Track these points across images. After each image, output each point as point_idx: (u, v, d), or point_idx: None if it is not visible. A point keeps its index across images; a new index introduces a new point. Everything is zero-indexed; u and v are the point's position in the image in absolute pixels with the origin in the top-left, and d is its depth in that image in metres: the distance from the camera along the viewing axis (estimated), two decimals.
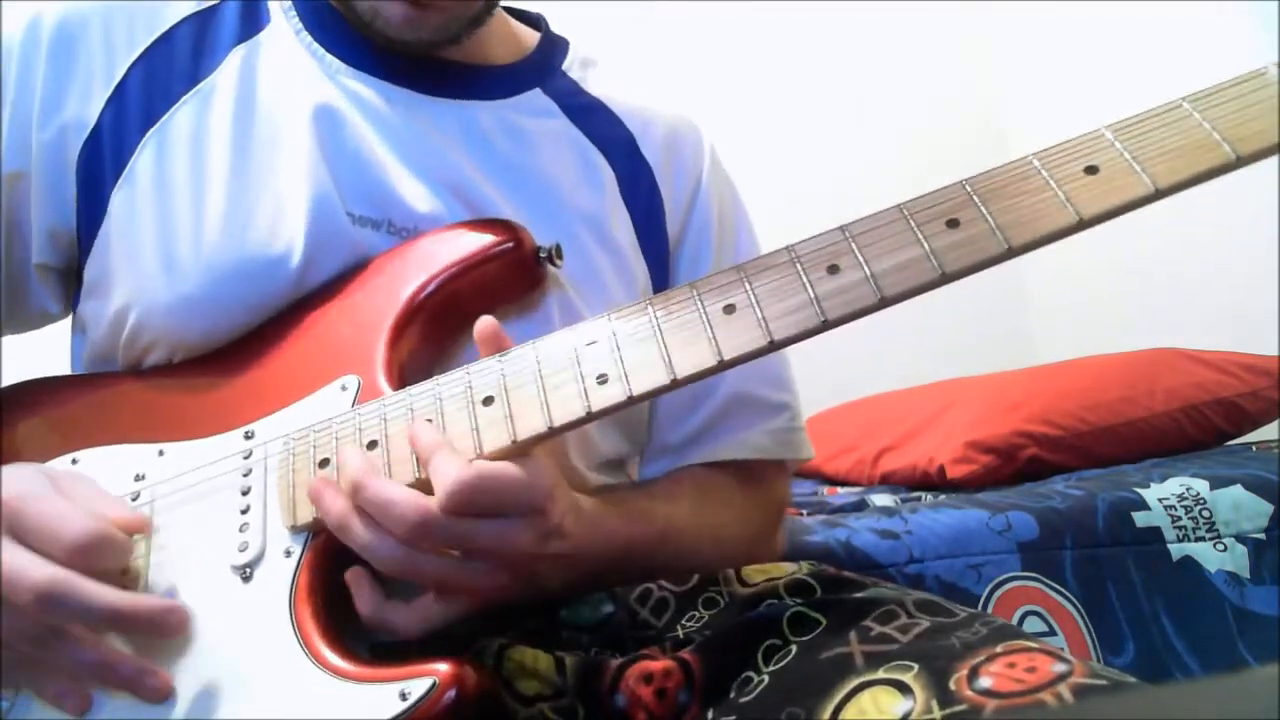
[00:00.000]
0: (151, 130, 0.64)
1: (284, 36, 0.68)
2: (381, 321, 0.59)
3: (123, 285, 0.63)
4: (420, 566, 0.49)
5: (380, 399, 0.55)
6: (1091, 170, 0.46)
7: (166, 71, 0.66)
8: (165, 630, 0.50)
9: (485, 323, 0.54)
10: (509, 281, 0.62)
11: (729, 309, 0.49)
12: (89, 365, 0.68)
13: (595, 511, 0.58)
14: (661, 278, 0.73)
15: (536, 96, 0.72)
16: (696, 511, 0.67)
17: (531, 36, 0.77)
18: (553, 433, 0.50)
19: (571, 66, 0.76)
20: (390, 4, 0.63)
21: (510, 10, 0.77)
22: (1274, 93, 0.45)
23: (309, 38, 0.68)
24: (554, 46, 0.77)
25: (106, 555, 0.49)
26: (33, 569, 0.47)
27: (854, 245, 0.49)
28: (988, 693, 0.42)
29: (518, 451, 0.50)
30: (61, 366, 0.70)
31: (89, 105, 0.64)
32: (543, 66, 0.75)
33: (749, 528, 0.72)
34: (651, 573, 0.62)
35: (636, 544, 0.62)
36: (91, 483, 0.55)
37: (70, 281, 0.70)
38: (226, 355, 0.62)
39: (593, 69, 0.77)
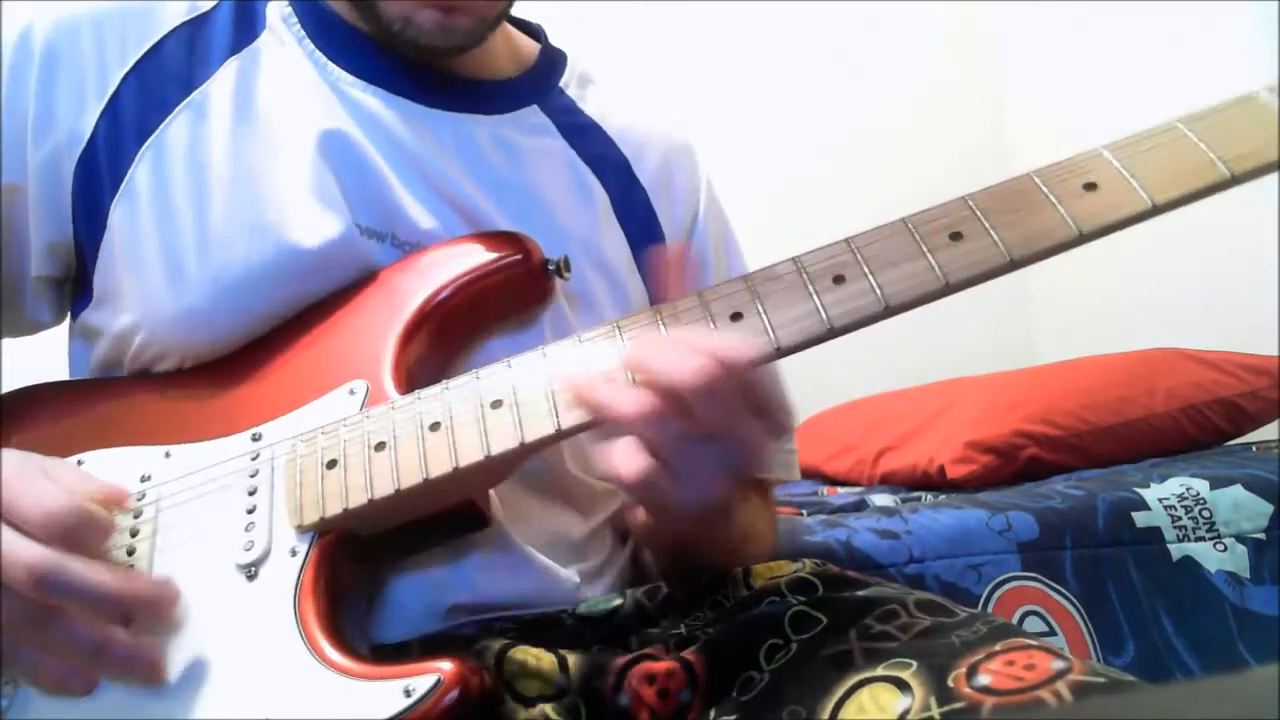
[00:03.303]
0: (148, 142, 0.63)
1: (283, 44, 0.68)
2: (391, 328, 0.60)
3: (129, 299, 0.63)
4: (665, 424, 0.46)
5: (388, 403, 0.55)
6: (1091, 187, 0.48)
7: (160, 82, 0.65)
8: (158, 608, 0.50)
9: (671, 249, 0.53)
10: (516, 293, 0.63)
11: (736, 316, 0.50)
12: (94, 373, 0.68)
13: None
14: (661, 298, 0.74)
15: (533, 114, 0.72)
16: (760, 517, 0.71)
17: (531, 48, 0.77)
18: (560, 436, 0.50)
19: (569, 84, 0.76)
20: (422, 12, 0.63)
21: (509, 19, 0.77)
22: (1265, 115, 0.47)
23: (311, 45, 0.68)
24: (552, 61, 0.77)
25: (85, 532, 0.48)
26: (25, 549, 0.47)
27: (859, 256, 0.49)
28: (986, 690, 0.42)
29: (525, 454, 0.50)
30: (59, 371, 0.70)
31: (83, 118, 0.64)
32: (541, 83, 0.75)
33: (771, 538, 0.76)
34: (714, 565, 0.64)
35: (741, 534, 0.64)
36: (77, 468, 0.55)
37: (66, 291, 0.70)
38: (234, 361, 0.62)
39: (590, 87, 0.77)
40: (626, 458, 0.48)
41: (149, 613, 0.50)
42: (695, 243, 0.76)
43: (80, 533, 0.48)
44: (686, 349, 0.47)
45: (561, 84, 0.76)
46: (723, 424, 0.47)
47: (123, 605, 0.49)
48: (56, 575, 0.47)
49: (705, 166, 0.80)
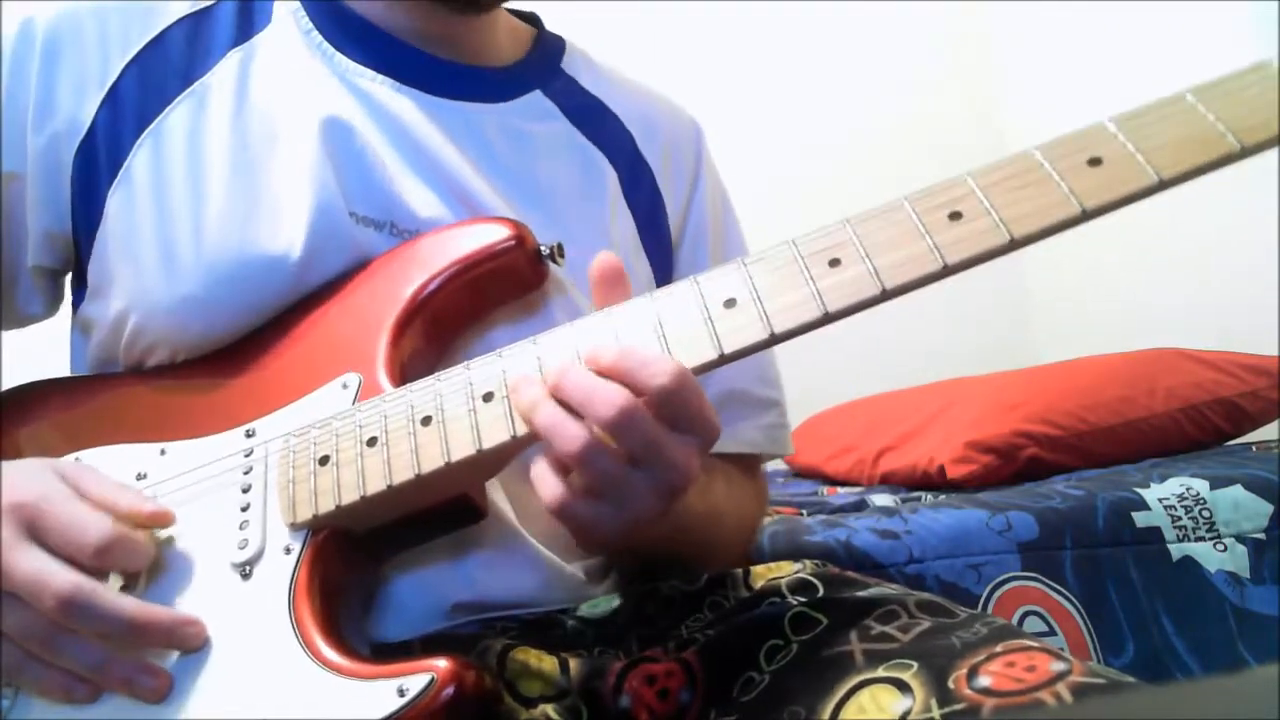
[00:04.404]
0: (147, 131, 0.64)
1: (288, 37, 0.68)
2: (383, 320, 0.59)
3: (123, 287, 0.62)
4: (595, 455, 0.46)
5: (381, 396, 0.55)
6: (1095, 162, 0.46)
7: (161, 72, 0.65)
8: (181, 642, 0.50)
9: (605, 260, 0.52)
10: (511, 280, 0.62)
11: (730, 303, 0.49)
12: (92, 367, 0.68)
13: None
14: (665, 277, 0.74)
15: (537, 99, 0.72)
16: (728, 495, 0.69)
17: (528, 34, 0.77)
18: None
19: (569, 65, 0.76)
20: None
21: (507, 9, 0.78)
22: (1275, 84, 0.45)
23: (319, 37, 0.68)
24: (551, 45, 0.77)
25: (126, 558, 0.50)
26: (56, 575, 0.47)
27: (856, 237, 0.48)
28: (986, 691, 0.42)
29: (519, 446, 0.50)
30: (61, 367, 0.70)
31: (83, 107, 0.64)
32: (542, 67, 0.75)
33: (755, 518, 0.75)
34: (687, 555, 0.64)
35: (703, 519, 0.63)
36: (98, 472, 0.55)
37: (61, 284, 0.70)
38: (228, 355, 0.62)
39: (591, 66, 0.78)
40: (544, 482, 0.48)
41: (168, 646, 0.50)
42: (691, 218, 0.76)
43: (118, 560, 0.49)
44: (600, 380, 0.47)
45: (563, 65, 0.76)
46: (646, 448, 0.46)
47: (144, 639, 0.49)
48: (86, 605, 0.47)
49: (708, 144, 0.80)
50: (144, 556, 0.51)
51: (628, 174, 0.73)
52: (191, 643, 0.50)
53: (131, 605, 0.48)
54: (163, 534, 0.54)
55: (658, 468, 0.47)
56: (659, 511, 0.48)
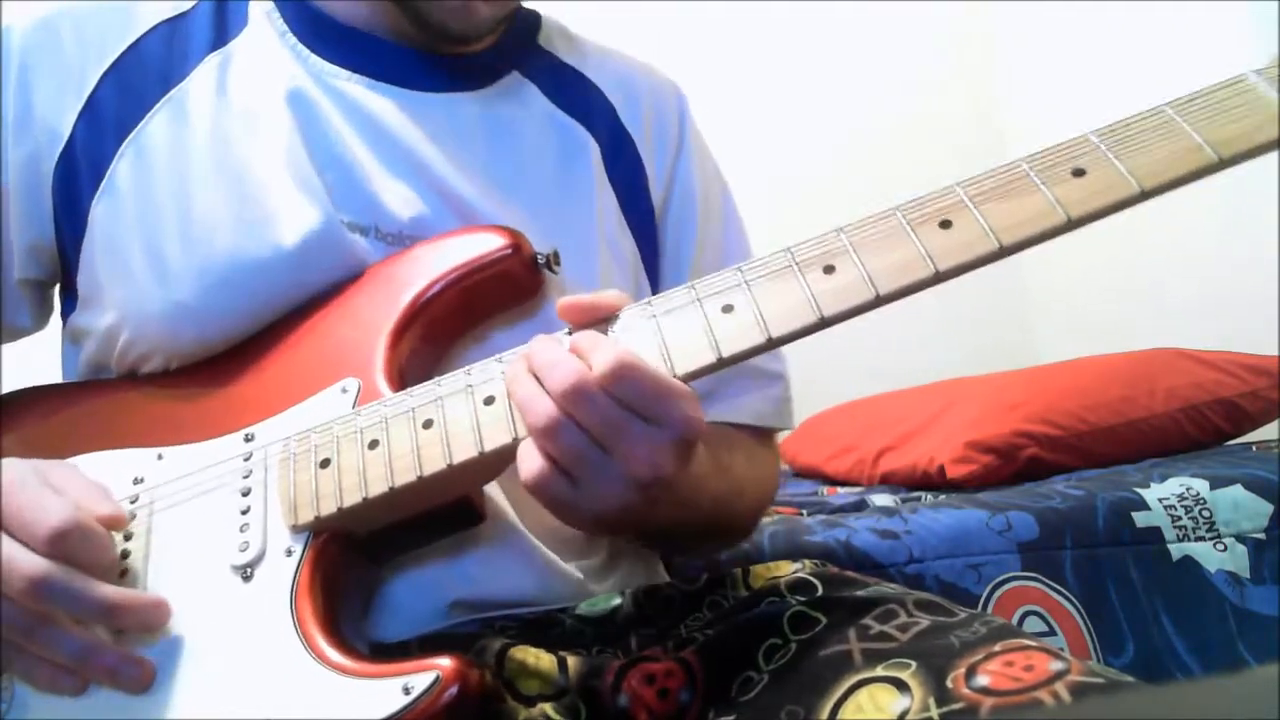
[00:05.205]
0: (127, 139, 0.63)
1: (265, 40, 0.68)
2: (382, 325, 0.59)
3: (113, 296, 0.62)
4: (562, 432, 0.47)
5: (380, 400, 0.55)
6: (1079, 173, 0.48)
7: (139, 79, 0.65)
8: (152, 623, 0.50)
9: (566, 301, 0.53)
10: (507, 287, 0.62)
11: (727, 308, 0.50)
12: (84, 376, 0.67)
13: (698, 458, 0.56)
14: (649, 248, 0.73)
15: (515, 80, 0.72)
16: (748, 470, 0.69)
17: None
18: None
19: (546, 39, 0.76)
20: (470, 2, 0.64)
21: None
22: (1252, 98, 0.47)
23: (294, 39, 0.68)
24: (526, 21, 0.77)
25: (83, 546, 0.49)
26: (25, 559, 0.47)
27: (850, 245, 0.49)
28: (985, 691, 0.42)
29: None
30: (53, 376, 0.70)
31: (62, 117, 0.64)
32: (518, 45, 0.74)
33: (772, 489, 0.75)
34: (708, 530, 0.64)
35: (725, 496, 0.63)
36: (79, 473, 0.55)
37: (49, 295, 0.70)
38: (225, 361, 0.62)
39: (569, 38, 0.77)
40: (525, 457, 0.48)
41: (139, 627, 0.50)
42: (677, 186, 0.75)
43: (78, 546, 0.49)
44: (563, 354, 0.48)
45: (539, 40, 0.76)
46: (606, 427, 0.46)
47: (114, 619, 0.49)
48: (52, 586, 0.47)
49: (690, 108, 0.79)
50: (103, 550, 0.50)
51: (609, 146, 0.73)
52: (161, 622, 0.50)
53: (100, 587, 0.48)
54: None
55: (620, 453, 0.47)
56: (634, 501, 0.48)
